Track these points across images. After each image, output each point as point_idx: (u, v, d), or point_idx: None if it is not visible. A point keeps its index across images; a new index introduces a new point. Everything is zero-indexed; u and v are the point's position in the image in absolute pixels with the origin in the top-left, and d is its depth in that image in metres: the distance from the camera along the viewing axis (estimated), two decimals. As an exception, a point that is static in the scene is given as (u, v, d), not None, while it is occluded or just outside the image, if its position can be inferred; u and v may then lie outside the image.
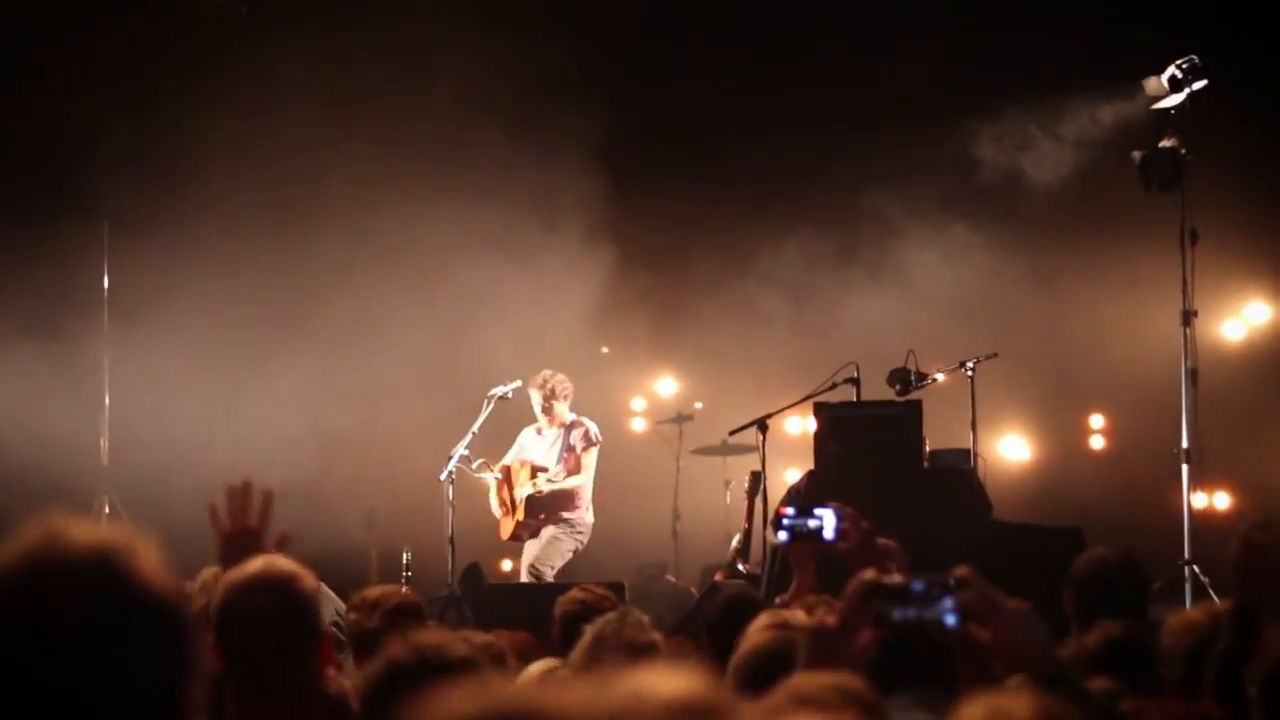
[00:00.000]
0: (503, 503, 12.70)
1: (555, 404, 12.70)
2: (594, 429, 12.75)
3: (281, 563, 4.17)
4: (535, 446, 12.83)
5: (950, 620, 3.31)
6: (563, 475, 12.54)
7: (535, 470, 12.62)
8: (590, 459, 12.70)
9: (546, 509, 12.56)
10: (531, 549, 12.59)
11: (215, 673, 4.09)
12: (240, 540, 4.65)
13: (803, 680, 3.24)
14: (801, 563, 5.17)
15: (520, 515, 12.60)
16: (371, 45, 14.79)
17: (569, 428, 12.75)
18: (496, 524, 12.85)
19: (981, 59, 14.57)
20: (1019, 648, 3.35)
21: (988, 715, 2.74)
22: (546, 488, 12.50)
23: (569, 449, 12.68)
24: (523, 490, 12.60)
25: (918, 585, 3.34)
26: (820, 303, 15.21)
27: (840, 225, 15.19)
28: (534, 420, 12.87)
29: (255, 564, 4.16)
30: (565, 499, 12.60)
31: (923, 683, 3.70)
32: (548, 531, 12.57)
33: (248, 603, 4.10)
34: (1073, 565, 6.27)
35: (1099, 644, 4.85)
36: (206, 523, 4.81)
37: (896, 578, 3.37)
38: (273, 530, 4.71)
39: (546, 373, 12.76)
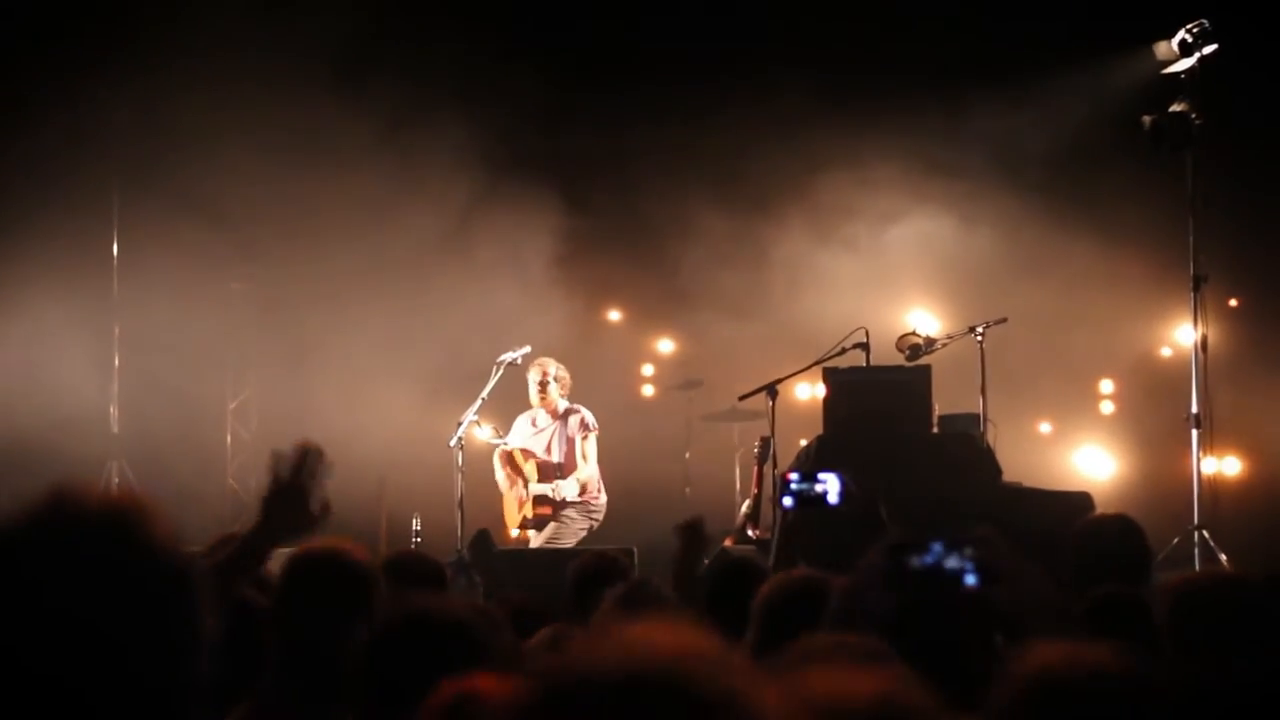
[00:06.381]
0: (510, 476, 12.66)
1: (550, 387, 12.64)
2: (590, 417, 12.71)
3: (346, 544, 4.27)
4: (532, 440, 12.79)
5: (970, 580, 3.38)
6: (568, 485, 12.50)
7: (540, 466, 12.59)
8: (590, 447, 12.66)
9: (555, 502, 12.56)
10: (543, 531, 12.56)
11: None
12: (289, 496, 4.26)
13: (816, 639, 3.25)
14: None
15: (529, 511, 12.56)
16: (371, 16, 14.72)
17: (564, 417, 12.72)
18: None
19: (987, 23, 14.54)
20: (1027, 608, 3.39)
21: (1066, 662, 2.73)
22: (571, 497, 12.47)
23: (568, 440, 12.65)
24: (535, 488, 12.54)
25: (937, 545, 3.40)
26: (827, 270, 15.16)
27: (845, 193, 15.13)
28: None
29: (323, 542, 4.25)
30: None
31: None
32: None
33: (309, 578, 4.22)
34: (1071, 530, 6.21)
35: (1096, 605, 4.81)
36: (215, 489, 4.80)
37: (916, 537, 3.43)
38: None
39: (546, 360, 12.73)
